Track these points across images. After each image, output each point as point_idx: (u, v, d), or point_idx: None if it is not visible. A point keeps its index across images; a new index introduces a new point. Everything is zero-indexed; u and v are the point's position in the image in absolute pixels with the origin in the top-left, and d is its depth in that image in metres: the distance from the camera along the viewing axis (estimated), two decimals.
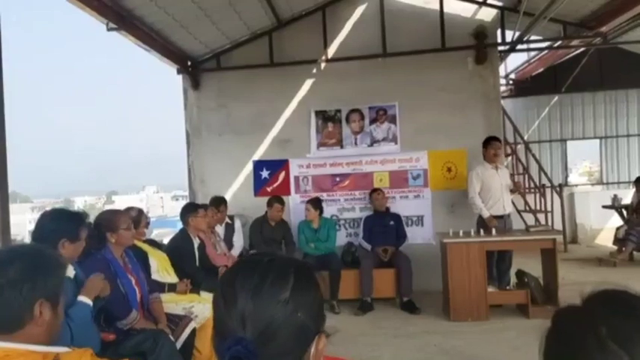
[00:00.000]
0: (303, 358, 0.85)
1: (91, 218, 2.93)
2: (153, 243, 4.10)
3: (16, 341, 1.27)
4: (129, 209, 4.01)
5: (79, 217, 2.54)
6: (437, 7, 6.32)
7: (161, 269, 3.83)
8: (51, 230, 2.40)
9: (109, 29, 4.87)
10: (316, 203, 5.99)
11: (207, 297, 3.94)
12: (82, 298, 2.37)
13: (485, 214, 5.36)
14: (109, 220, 3.05)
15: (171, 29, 5.58)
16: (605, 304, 0.82)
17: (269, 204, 5.93)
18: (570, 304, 0.87)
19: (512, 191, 5.73)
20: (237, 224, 5.88)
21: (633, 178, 8.79)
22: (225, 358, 0.79)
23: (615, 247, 7.62)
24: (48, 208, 2.94)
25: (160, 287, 3.65)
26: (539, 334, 0.88)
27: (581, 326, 0.81)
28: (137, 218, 3.91)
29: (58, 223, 2.45)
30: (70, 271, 2.38)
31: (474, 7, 6.46)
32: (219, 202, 5.63)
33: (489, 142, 5.53)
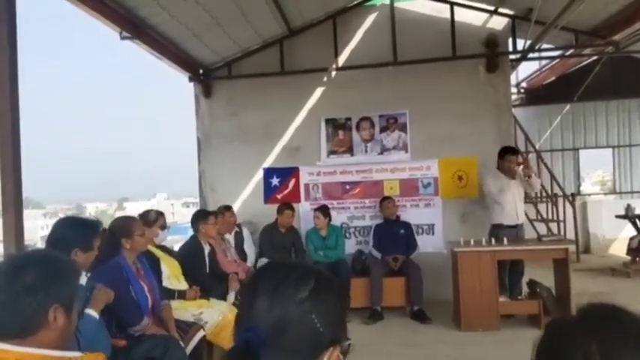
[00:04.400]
0: None
1: (104, 225, 2.93)
2: (165, 249, 4.10)
3: (30, 346, 1.28)
4: (148, 212, 4.05)
5: (92, 225, 2.52)
6: (448, 15, 6.33)
7: (172, 276, 3.85)
8: (64, 238, 2.38)
9: (122, 38, 4.94)
10: (325, 211, 5.99)
11: (217, 303, 3.95)
12: (90, 311, 2.37)
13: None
14: (124, 225, 3.07)
15: (183, 38, 5.64)
16: (597, 320, 0.83)
17: (279, 211, 5.94)
18: (564, 316, 0.88)
19: (525, 172, 5.44)
20: (246, 232, 5.90)
21: None
22: (237, 342, 0.83)
23: (629, 258, 7.53)
24: (62, 215, 2.95)
25: (170, 294, 3.66)
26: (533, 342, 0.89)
27: (572, 340, 0.82)
28: (154, 218, 3.94)
29: (72, 231, 2.43)
30: (82, 279, 2.39)
31: (485, 15, 6.46)
32: (228, 207, 5.73)
33: (504, 155, 5.44)
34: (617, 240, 9.23)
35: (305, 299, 0.86)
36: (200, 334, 3.40)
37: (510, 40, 6.45)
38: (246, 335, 0.82)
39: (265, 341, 0.81)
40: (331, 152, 6.63)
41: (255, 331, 0.82)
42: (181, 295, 3.81)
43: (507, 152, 5.46)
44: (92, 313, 2.38)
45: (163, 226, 4.03)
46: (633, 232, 7.92)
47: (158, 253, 3.82)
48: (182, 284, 3.91)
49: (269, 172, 6.73)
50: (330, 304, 0.89)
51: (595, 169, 19.89)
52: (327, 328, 0.86)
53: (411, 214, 6.34)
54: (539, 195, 8.42)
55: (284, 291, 0.87)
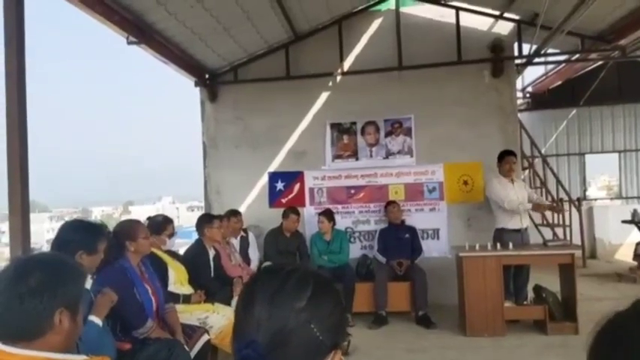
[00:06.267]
0: None
1: (109, 228, 2.94)
2: (172, 254, 4.10)
3: (35, 349, 1.29)
4: (156, 216, 4.04)
5: (97, 229, 2.51)
6: (453, 20, 6.33)
7: (177, 281, 3.85)
8: (68, 241, 2.38)
9: (129, 43, 4.97)
10: (330, 215, 5.99)
11: (221, 307, 3.95)
12: (93, 318, 2.36)
13: (529, 206, 5.44)
14: (129, 228, 3.09)
15: (189, 42, 5.67)
16: None
17: (284, 215, 5.94)
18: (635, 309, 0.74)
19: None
20: (252, 237, 5.91)
21: None
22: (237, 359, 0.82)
23: (635, 263, 7.47)
24: (68, 218, 2.95)
25: (175, 298, 3.66)
26: (585, 341, 0.75)
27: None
28: (162, 226, 3.93)
29: (76, 234, 2.43)
30: (88, 283, 2.39)
31: (491, 20, 6.46)
32: (235, 212, 5.77)
33: (504, 156, 5.51)
34: (623, 245, 9.17)
35: (303, 309, 0.84)
36: (205, 338, 3.40)
37: (516, 45, 6.44)
38: (245, 352, 0.81)
39: (265, 357, 0.80)
40: (336, 156, 6.63)
41: (254, 347, 0.81)
42: (186, 299, 3.82)
43: (505, 154, 5.52)
44: (95, 319, 2.38)
45: (171, 234, 3.99)
46: None
47: (166, 257, 3.83)
48: (187, 288, 3.91)
49: (274, 177, 6.75)
50: (329, 309, 0.88)
51: (601, 174, 19.82)
52: (326, 335, 0.85)
53: (416, 218, 6.33)
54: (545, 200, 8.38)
55: (281, 302, 0.85)
